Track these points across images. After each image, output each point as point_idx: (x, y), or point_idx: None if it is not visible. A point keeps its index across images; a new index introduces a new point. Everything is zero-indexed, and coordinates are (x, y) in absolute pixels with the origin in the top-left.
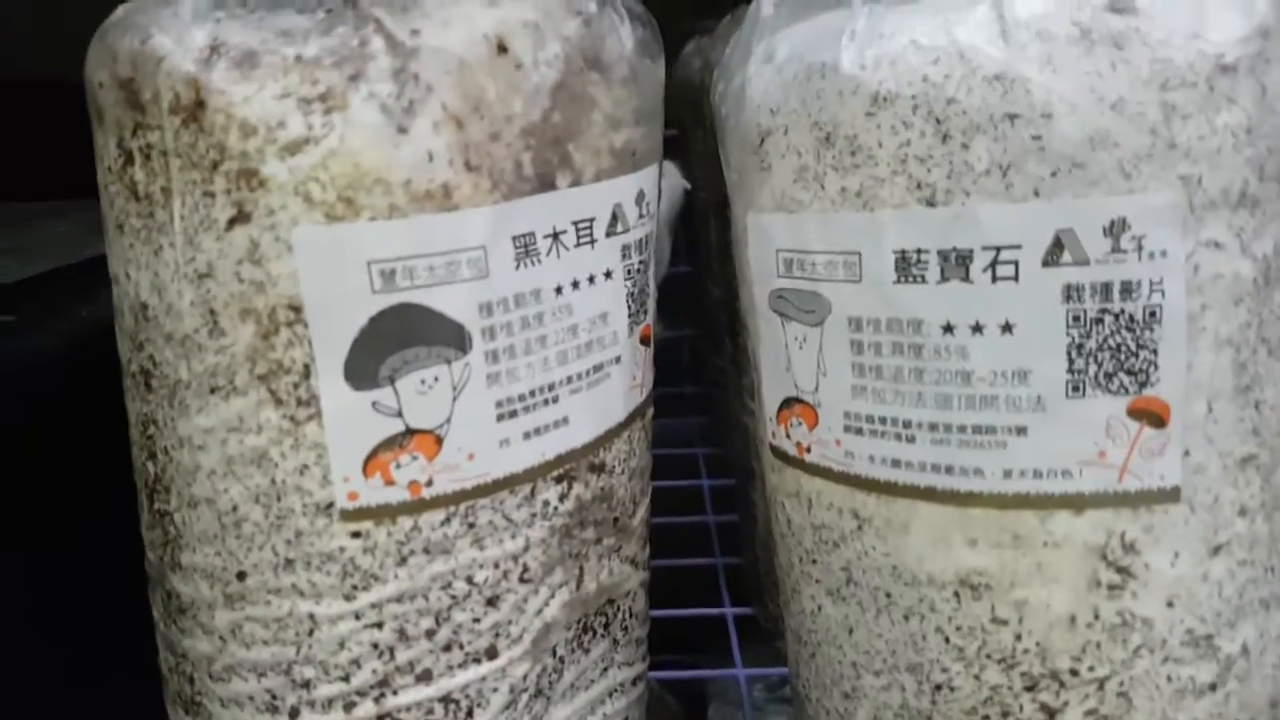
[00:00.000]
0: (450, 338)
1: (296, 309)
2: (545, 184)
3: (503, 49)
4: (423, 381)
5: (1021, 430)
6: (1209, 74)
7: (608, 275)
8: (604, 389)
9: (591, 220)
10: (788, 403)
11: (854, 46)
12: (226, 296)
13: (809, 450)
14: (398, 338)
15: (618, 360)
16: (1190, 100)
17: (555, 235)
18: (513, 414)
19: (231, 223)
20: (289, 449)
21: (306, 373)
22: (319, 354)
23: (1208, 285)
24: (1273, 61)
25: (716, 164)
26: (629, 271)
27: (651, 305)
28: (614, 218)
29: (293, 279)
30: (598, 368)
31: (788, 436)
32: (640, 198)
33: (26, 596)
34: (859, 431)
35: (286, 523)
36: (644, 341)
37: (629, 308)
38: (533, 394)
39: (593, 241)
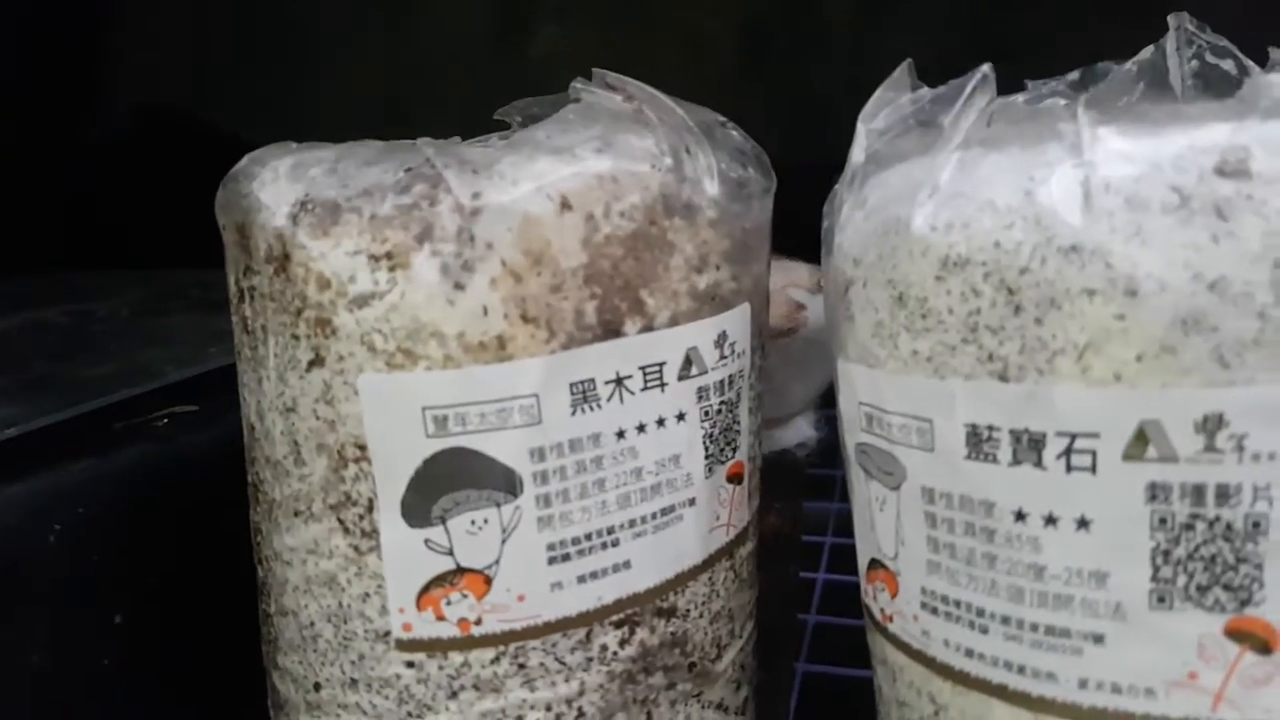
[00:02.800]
0: (500, 482)
1: (362, 447)
2: (610, 331)
3: (567, 206)
4: (472, 522)
5: (1098, 638)
6: None
7: (680, 417)
8: (675, 531)
9: (661, 365)
10: (873, 564)
11: (930, 204)
12: (306, 430)
13: (891, 620)
14: (449, 480)
15: (692, 502)
16: None
17: (619, 380)
18: (565, 557)
19: (310, 365)
20: (354, 576)
21: (370, 506)
22: (380, 490)
23: None
24: None
25: None
26: (706, 413)
27: (746, 441)
28: (688, 361)
29: (358, 420)
30: (667, 510)
31: (874, 600)
32: (722, 339)
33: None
34: (934, 611)
35: (352, 645)
36: (732, 479)
37: (706, 448)
38: (589, 537)
39: (662, 385)
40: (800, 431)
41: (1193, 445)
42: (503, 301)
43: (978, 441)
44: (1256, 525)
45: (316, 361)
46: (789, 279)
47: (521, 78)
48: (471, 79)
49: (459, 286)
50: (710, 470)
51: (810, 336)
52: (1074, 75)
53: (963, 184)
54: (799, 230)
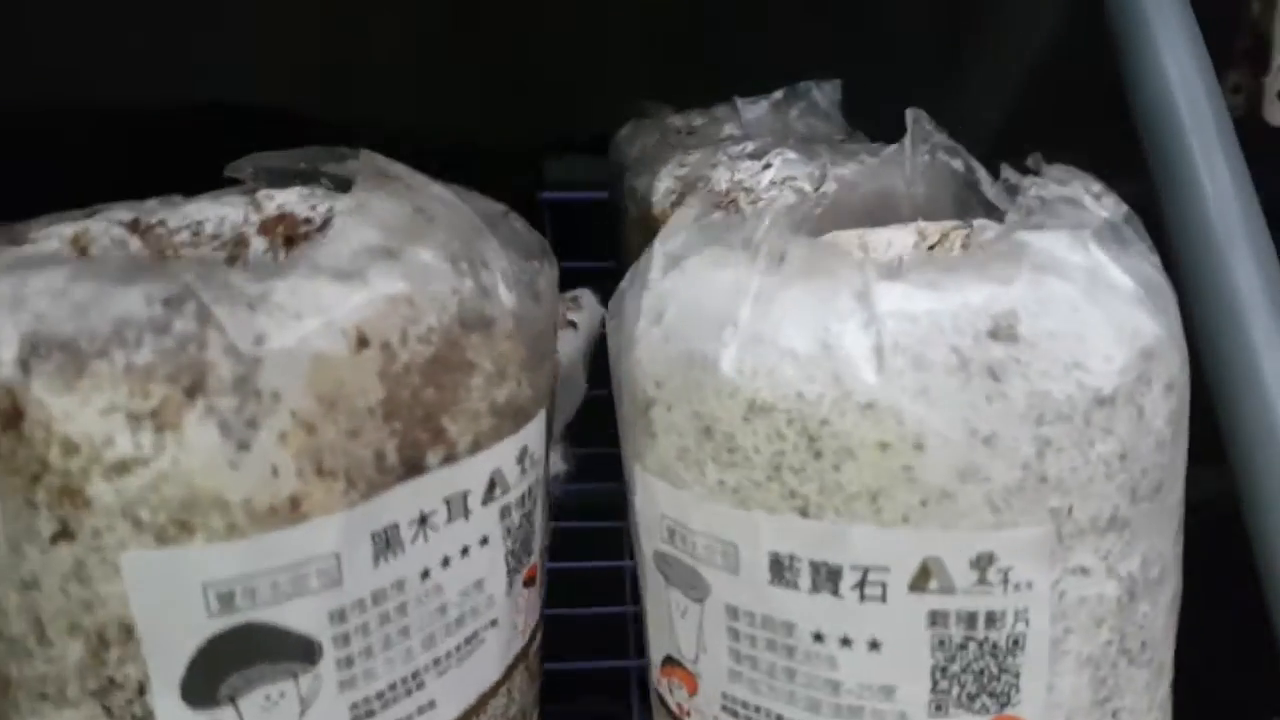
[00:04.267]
0: (297, 652)
1: (128, 629)
2: (412, 468)
3: (364, 341)
4: (267, 698)
5: None
6: (1087, 408)
7: (484, 542)
8: (477, 657)
9: (465, 494)
10: (670, 660)
11: (735, 345)
12: (54, 610)
13: (689, 715)
14: (238, 658)
15: (494, 623)
16: (1065, 434)
17: (422, 519)
18: (369, 713)
19: (56, 538)
20: None
21: (141, 689)
22: (154, 673)
23: (1072, 610)
24: (1153, 381)
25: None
26: (508, 530)
27: (539, 541)
28: (491, 485)
29: (122, 600)
30: (470, 638)
31: (669, 693)
32: (523, 455)
33: None
34: (735, 714)
35: None
36: (528, 584)
37: (508, 565)
38: (393, 688)
39: (466, 514)
40: (553, 464)
41: (968, 579)
42: (295, 458)
43: (780, 569)
44: (1016, 642)
45: (64, 535)
46: None
47: None
48: None
49: (243, 447)
50: (510, 584)
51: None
52: (778, 94)
53: (762, 325)
54: None
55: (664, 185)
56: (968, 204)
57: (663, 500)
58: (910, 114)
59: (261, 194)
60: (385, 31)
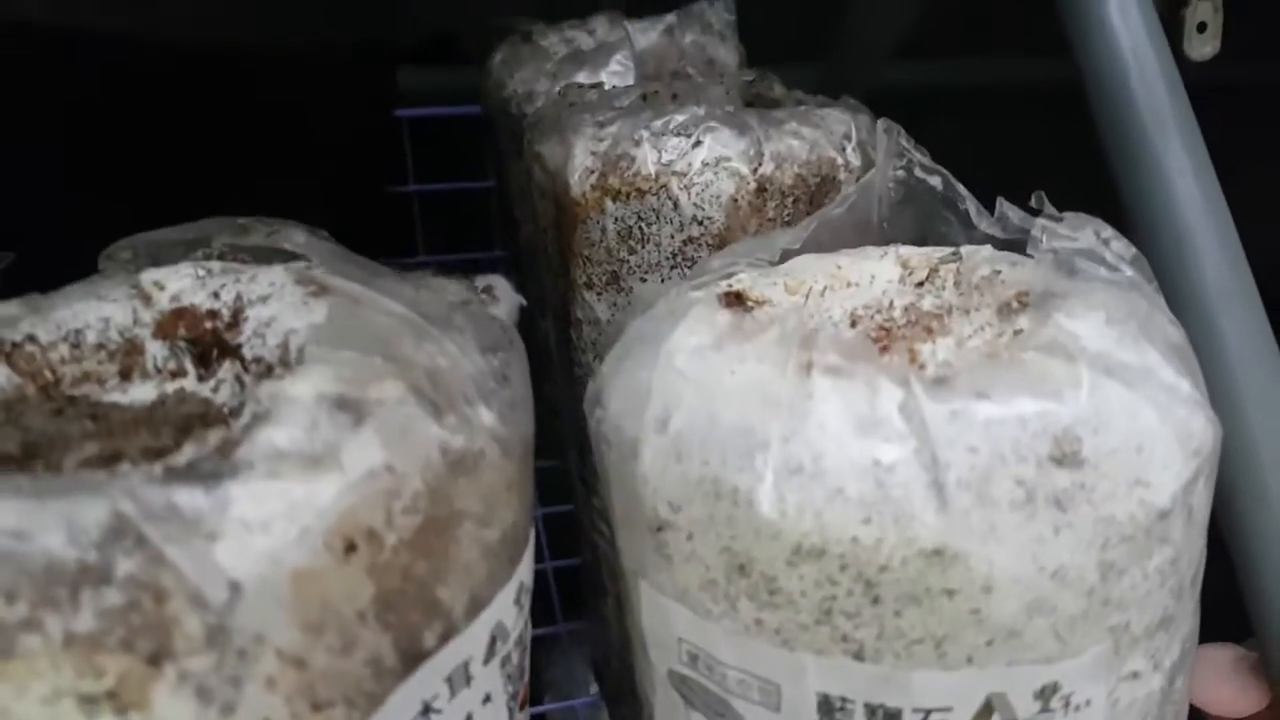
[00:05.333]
0: None
1: None
2: (411, 660)
3: (351, 546)
4: None
5: None
6: (1148, 525)
7: (487, 700)
8: None
9: (467, 661)
10: None
11: (771, 476)
12: None
13: None
14: None
15: None
16: (1128, 554)
17: (425, 709)
18: None
19: None
20: None
21: None
22: None
23: (1123, 713)
24: (1201, 477)
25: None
26: (509, 677)
27: (527, 656)
28: (493, 640)
29: None
30: None
31: None
32: (520, 592)
33: None
34: None
35: None
36: (523, 707)
37: (509, 709)
38: None
39: (469, 681)
40: None
41: (1031, 709)
42: (287, 702)
43: (830, 710)
44: None
45: None
46: None
47: None
48: None
49: (227, 711)
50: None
51: None
52: (671, 18)
53: (799, 450)
54: None
55: (580, 163)
56: (935, 218)
57: (681, 625)
58: (882, 125)
59: (146, 280)
60: None
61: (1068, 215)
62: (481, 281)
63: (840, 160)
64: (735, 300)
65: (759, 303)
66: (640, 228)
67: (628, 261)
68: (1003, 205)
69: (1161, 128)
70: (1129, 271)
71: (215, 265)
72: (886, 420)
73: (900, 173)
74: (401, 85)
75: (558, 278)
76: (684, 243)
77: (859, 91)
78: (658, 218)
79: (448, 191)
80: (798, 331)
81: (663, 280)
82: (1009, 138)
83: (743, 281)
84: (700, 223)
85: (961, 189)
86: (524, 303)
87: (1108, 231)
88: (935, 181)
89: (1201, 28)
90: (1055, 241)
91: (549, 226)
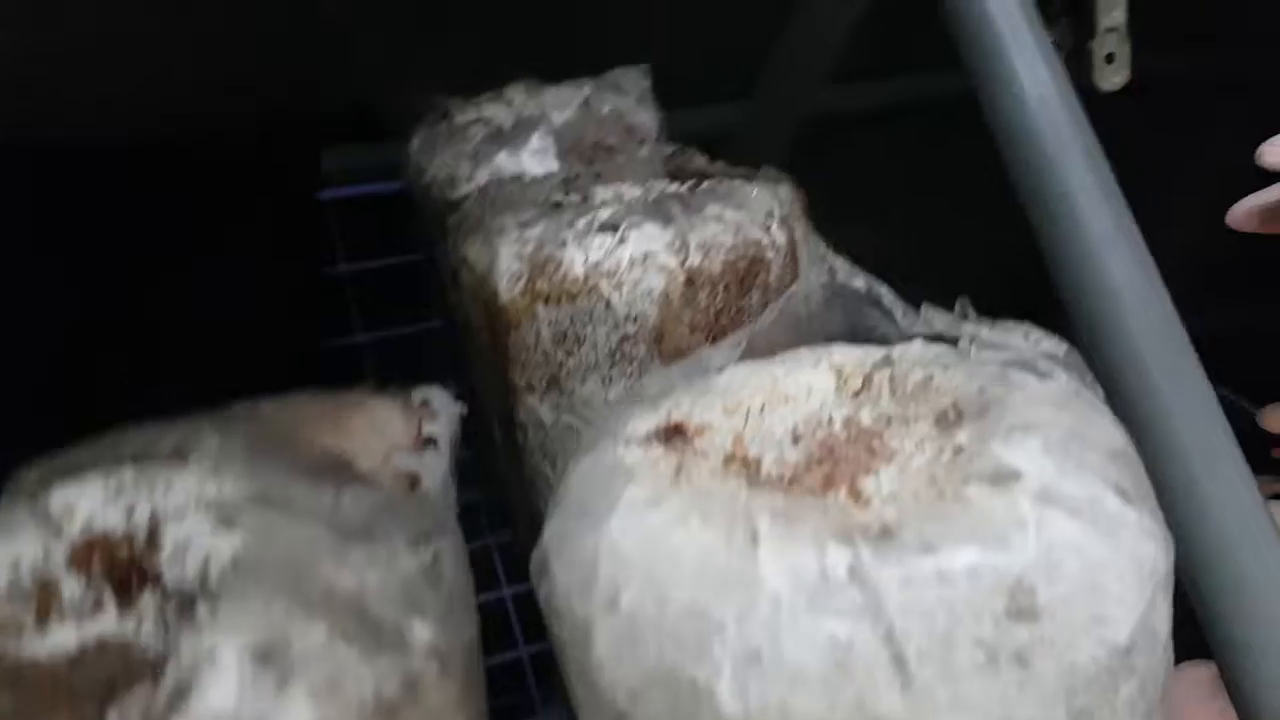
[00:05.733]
0: None
1: None
2: None
3: None
4: None
5: None
6: (1111, 662)
7: None
8: None
9: None
10: None
11: (729, 667)
12: None
13: None
14: None
15: None
16: (1096, 696)
17: None
18: None
19: None
20: None
21: None
22: None
23: None
24: (1159, 595)
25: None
26: None
27: None
28: None
29: None
30: None
31: None
32: None
33: None
34: None
35: None
36: None
37: None
38: None
39: None
40: None
41: None
42: None
43: None
44: None
45: None
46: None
47: None
48: None
49: None
50: None
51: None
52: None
53: (755, 633)
54: None
55: (507, 268)
56: (863, 313)
57: None
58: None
59: (55, 503)
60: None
61: (996, 325)
62: (418, 396)
63: (766, 239)
64: (675, 433)
65: (699, 431)
66: (574, 330)
67: (565, 364)
68: (927, 310)
69: (1087, 193)
70: (1062, 377)
71: (127, 475)
72: (838, 588)
73: (825, 278)
74: (324, 166)
75: (497, 379)
76: (620, 341)
77: (791, 119)
78: (591, 319)
79: (379, 268)
80: (741, 474)
81: (603, 381)
82: (941, 150)
83: (681, 408)
84: (634, 319)
85: (884, 291)
86: (464, 412)
87: (1036, 333)
88: (859, 284)
89: (1110, 58)
90: (985, 351)
91: (483, 328)
